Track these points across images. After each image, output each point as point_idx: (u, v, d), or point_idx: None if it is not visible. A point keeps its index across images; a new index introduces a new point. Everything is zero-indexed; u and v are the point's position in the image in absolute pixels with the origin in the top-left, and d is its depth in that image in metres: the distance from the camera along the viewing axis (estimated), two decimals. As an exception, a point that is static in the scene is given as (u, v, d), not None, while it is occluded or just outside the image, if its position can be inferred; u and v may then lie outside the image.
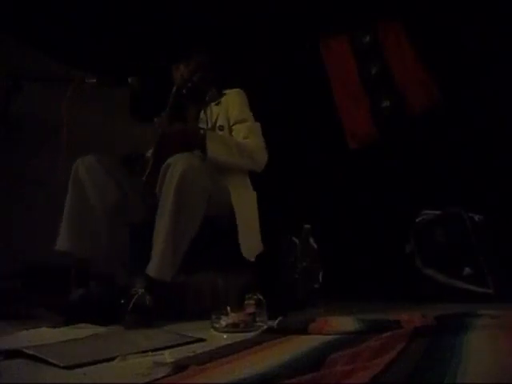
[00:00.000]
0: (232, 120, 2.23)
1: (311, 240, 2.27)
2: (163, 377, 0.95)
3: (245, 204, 2.18)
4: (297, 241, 2.38)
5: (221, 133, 2.20)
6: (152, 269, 1.82)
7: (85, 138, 2.79)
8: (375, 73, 3.48)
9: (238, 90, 2.33)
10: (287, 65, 3.44)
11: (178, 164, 1.87)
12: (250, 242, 2.14)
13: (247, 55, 3.31)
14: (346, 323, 1.52)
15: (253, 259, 2.11)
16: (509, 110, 2.92)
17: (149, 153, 2.33)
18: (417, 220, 2.84)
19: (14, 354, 1.20)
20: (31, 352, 1.17)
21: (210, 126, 2.22)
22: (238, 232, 2.06)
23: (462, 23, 3.05)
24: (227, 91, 2.33)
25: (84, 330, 1.62)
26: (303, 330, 1.47)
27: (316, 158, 3.44)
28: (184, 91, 2.24)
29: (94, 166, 2.01)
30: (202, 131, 2.10)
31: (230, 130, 2.23)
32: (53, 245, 2.03)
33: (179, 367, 0.99)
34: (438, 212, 2.79)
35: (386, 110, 3.41)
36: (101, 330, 1.63)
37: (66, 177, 1.99)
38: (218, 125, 2.20)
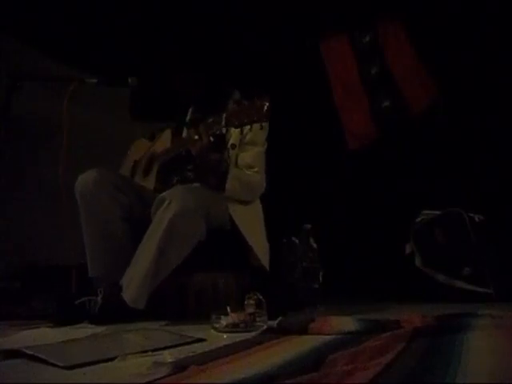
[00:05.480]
0: (245, 139, 2.16)
1: (311, 240, 2.27)
2: (163, 377, 0.95)
3: (248, 217, 2.16)
4: (297, 241, 2.38)
5: (232, 151, 2.15)
6: (127, 296, 1.82)
7: (85, 138, 2.80)
8: (375, 73, 3.47)
9: None
10: (287, 65, 3.44)
11: (172, 203, 1.86)
12: (264, 250, 2.15)
13: (247, 55, 3.31)
14: (345, 323, 1.52)
15: (268, 266, 2.12)
16: (509, 109, 2.91)
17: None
18: (417, 220, 2.84)
19: (14, 353, 1.20)
20: (31, 352, 1.17)
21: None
22: (252, 246, 2.07)
23: (462, 23, 3.05)
24: None
25: (84, 330, 1.62)
26: (303, 330, 1.47)
27: (316, 158, 3.44)
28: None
29: (100, 180, 2.02)
30: (224, 165, 2.05)
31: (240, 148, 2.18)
32: (53, 244, 2.03)
33: (179, 367, 0.99)
34: (438, 212, 2.79)
35: (386, 109, 3.41)
36: (101, 329, 1.63)
37: (66, 177, 1.99)
38: (230, 143, 2.15)
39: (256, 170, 2.17)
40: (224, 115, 1.83)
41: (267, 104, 1.71)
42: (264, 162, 2.24)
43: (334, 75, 3.57)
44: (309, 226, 2.30)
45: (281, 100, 3.35)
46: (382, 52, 3.45)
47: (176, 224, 1.84)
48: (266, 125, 2.09)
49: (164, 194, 1.93)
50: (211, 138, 1.91)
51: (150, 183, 2.25)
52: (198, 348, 1.27)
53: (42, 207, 2.87)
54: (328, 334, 1.42)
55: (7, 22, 2.95)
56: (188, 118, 2.36)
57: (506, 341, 1.26)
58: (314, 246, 2.27)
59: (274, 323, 1.61)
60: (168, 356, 1.12)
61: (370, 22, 3.47)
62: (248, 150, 2.17)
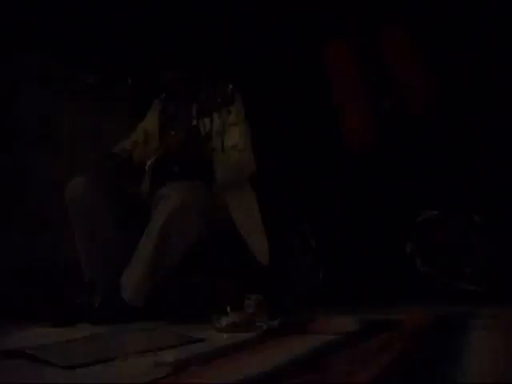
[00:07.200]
0: (227, 122, 2.16)
1: (311, 240, 2.27)
2: (163, 377, 0.95)
3: (246, 212, 2.16)
4: (297, 241, 2.38)
5: (216, 139, 2.14)
6: (126, 294, 1.82)
7: (85, 138, 2.80)
8: (375, 73, 3.47)
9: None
10: (287, 65, 3.44)
11: (170, 198, 1.86)
12: (262, 247, 2.14)
13: (247, 55, 3.31)
14: (346, 323, 1.52)
15: (267, 262, 2.11)
16: (509, 109, 2.91)
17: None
18: (417, 220, 2.84)
19: (14, 354, 1.20)
20: (31, 352, 1.17)
21: (207, 129, 2.17)
22: (248, 242, 2.06)
23: (462, 23, 3.05)
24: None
25: (84, 330, 1.62)
26: (303, 330, 1.47)
27: (316, 158, 3.44)
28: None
29: (90, 185, 1.97)
30: (208, 155, 2.05)
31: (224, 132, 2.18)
32: (53, 244, 2.03)
33: (179, 367, 0.99)
34: (437, 212, 2.79)
35: (386, 109, 3.41)
36: (101, 330, 1.63)
37: (66, 177, 1.99)
38: (214, 129, 2.14)
39: (240, 147, 2.15)
40: (194, 106, 1.85)
41: (230, 87, 1.77)
42: (249, 140, 2.21)
43: (334, 75, 3.57)
44: (309, 226, 2.30)
45: (281, 100, 3.37)
46: (383, 52, 3.45)
47: (175, 218, 1.83)
48: (235, 107, 2.10)
49: (163, 189, 1.92)
50: (188, 131, 1.92)
51: (143, 184, 2.24)
52: (198, 348, 1.27)
53: (42, 207, 2.86)
54: (328, 334, 1.42)
55: (7, 22, 2.95)
56: (158, 111, 2.33)
57: (506, 341, 1.26)
58: (314, 246, 2.27)
59: (274, 323, 1.61)
60: (168, 356, 1.12)
61: (371, 23, 3.47)
62: (230, 132, 2.16)
